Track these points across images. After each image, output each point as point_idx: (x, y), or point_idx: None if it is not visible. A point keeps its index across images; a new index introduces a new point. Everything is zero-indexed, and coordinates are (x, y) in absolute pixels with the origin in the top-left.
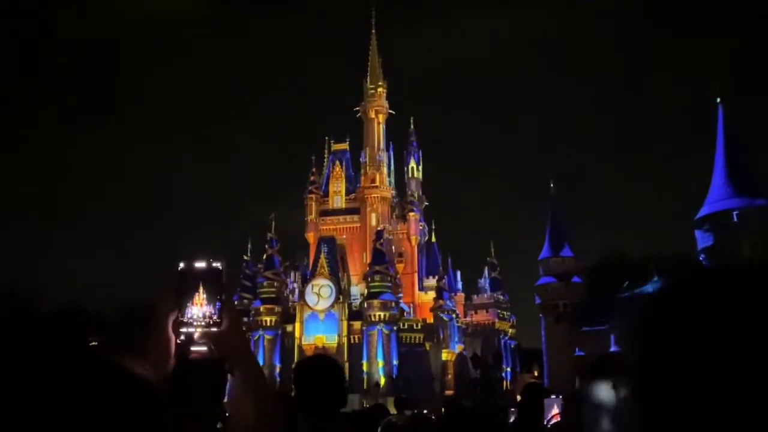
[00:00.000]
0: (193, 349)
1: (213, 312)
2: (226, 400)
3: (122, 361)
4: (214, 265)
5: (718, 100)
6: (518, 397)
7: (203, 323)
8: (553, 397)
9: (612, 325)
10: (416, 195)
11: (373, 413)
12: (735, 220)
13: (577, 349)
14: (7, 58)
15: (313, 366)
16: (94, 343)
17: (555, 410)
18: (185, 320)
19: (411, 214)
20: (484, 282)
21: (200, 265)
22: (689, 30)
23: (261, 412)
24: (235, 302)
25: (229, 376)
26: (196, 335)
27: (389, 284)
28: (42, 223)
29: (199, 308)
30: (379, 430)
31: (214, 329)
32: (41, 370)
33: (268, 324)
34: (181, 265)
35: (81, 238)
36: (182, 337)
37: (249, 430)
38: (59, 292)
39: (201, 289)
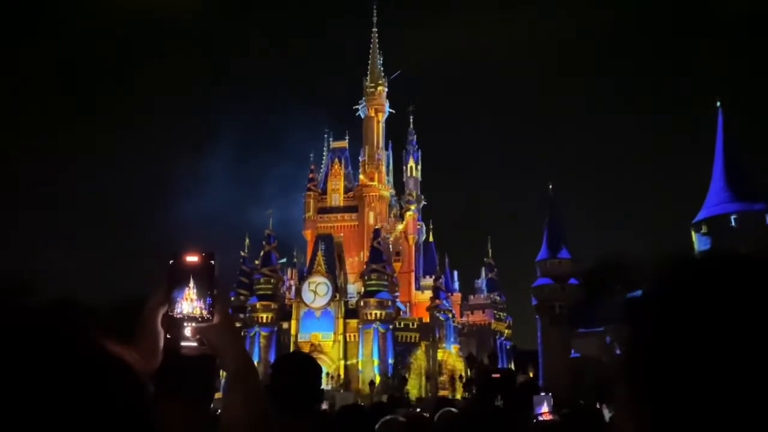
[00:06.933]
0: (183, 344)
1: (204, 307)
2: (218, 396)
3: (111, 348)
4: (207, 259)
5: (718, 103)
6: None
7: (193, 318)
8: (543, 394)
9: (610, 324)
10: (414, 194)
11: (377, 411)
12: (733, 224)
13: (572, 351)
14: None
15: (287, 362)
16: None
17: (545, 408)
18: (175, 315)
19: (409, 213)
20: (481, 282)
21: (192, 258)
22: (690, 30)
23: (252, 408)
24: (232, 298)
25: (221, 372)
26: (186, 331)
27: (386, 283)
28: (35, 216)
29: (190, 303)
30: (377, 427)
31: (204, 325)
32: (32, 357)
33: (264, 321)
34: (172, 258)
35: (75, 232)
36: (172, 333)
37: (240, 426)
38: (52, 286)
39: (192, 284)
